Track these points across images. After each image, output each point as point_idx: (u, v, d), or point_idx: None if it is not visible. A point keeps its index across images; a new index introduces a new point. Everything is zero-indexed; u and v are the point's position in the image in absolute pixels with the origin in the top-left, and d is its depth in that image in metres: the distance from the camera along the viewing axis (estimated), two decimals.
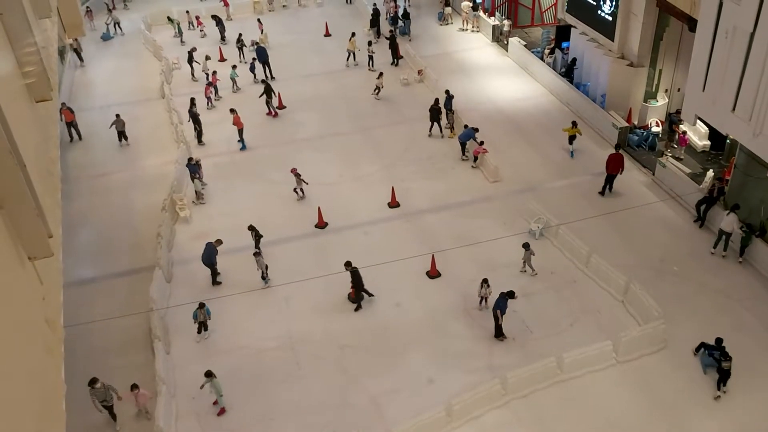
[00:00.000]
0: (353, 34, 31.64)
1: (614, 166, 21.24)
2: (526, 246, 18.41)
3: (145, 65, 32.69)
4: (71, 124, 25.97)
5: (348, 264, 17.51)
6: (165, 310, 17.72)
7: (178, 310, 17.55)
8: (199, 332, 17.09)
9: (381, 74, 28.52)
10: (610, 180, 21.53)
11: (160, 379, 15.38)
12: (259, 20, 34.26)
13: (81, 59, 32.66)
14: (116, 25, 34.94)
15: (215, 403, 15.32)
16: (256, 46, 31.21)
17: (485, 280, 17.26)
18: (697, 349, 16.05)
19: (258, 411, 15.29)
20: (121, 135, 25.40)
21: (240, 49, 32.05)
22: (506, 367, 15.64)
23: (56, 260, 10.06)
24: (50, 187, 11.39)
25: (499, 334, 16.62)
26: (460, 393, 14.91)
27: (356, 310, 17.77)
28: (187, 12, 36.23)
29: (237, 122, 24.85)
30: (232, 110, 25.19)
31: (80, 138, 26.30)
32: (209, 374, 15.03)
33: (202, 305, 16.88)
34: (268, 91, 27.10)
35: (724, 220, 18.33)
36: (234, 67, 29.61)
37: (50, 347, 9.03)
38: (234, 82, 29.31)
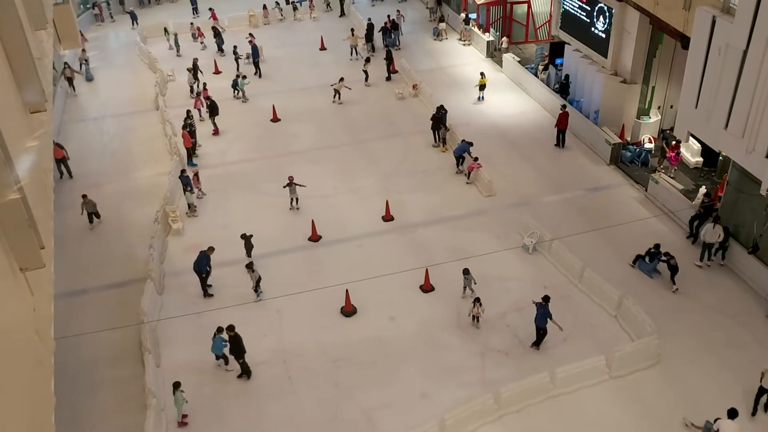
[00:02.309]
0: (353, 30, 33.35)
1: (563, 122, 25.12)
2: (465, 272, 18.09)
3: (139, 77, 32.71)
4: (61, 161, 24.21)
5: (230, 328, 15.86)
6: (156, 323, 17.60)
7: (169, 323, 17.43)
8: (226, 363, 16.49)
9: (341, 79, 29.10)
10: (560, 134, 25.32)
11: (149, 392, 15.24)
12: (251, 34, 33.90)
13: (73, 88, 31.22)
14: (85, 62, 34.36)
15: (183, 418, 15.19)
16: (251, 45, 31.80)
17: (477, 299, 17.15)
18: (634, 262, 18.83)
19: (249, 425, 15.14)
20: (92, 216, 21.89)
21: (237, 60, 32.18)
22: (499, 381, 15.60)
23: (48, 271, 9.96)
24: (43, 197, 11.32)
25: (539, 342, 16.57)
26: (453, 407, 14.82)
27: (239, 376, 16.15)
28: (191, 23, 36.37)
29: (185, 139, 24.78)
30: (183, 127, 25.12)
31: (71, 176, 24.61)
32: (177, 385, 14.95)
33: (220, 330, 16.15)
34: (214, 108, 26.80)
35: (709, 232, 18.46)
36: (244, 77, 29.83)
37: (40, 359, 8.92)
38: (243, 92, 29.49)
